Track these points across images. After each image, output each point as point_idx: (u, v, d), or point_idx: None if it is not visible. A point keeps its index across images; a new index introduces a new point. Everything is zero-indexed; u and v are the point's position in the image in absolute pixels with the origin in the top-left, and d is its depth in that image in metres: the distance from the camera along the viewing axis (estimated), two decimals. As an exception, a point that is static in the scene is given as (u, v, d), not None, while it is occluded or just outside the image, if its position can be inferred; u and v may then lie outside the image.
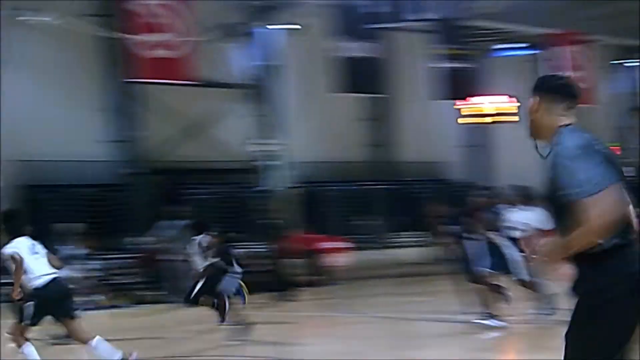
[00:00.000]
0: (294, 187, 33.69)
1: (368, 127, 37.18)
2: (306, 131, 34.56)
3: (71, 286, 12.72)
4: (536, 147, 4.89)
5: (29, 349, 11.09)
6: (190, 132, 31.96)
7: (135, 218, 29.72)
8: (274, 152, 33.31)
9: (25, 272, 10.65)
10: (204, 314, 15.96)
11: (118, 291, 25.18)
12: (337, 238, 29.57)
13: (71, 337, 11.22)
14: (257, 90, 33.57)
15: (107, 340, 11.27)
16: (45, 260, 10.91)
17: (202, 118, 32.24)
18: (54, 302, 10.78)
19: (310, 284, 26.62)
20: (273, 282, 24.19)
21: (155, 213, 27.80)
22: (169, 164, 31.26)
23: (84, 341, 10.88)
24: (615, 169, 4.60)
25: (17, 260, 10.60)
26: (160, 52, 29.53)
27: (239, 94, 33.20)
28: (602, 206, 4.34)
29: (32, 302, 10.76)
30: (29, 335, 11.28)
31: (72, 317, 10.94)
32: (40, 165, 30.33)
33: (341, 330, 17.75)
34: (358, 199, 35.60)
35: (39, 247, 11.02)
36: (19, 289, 10.78)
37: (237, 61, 33.18)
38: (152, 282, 25.82)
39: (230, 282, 15.52)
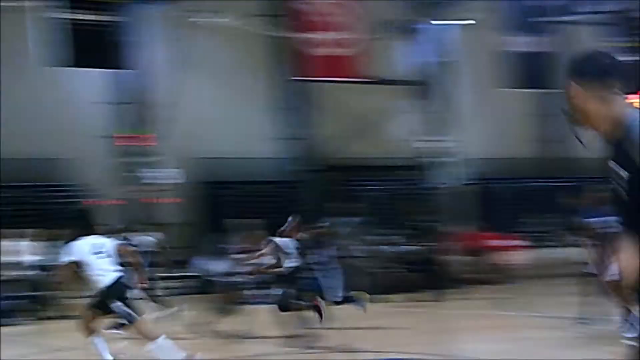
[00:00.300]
0: (467, 184, 33.43)
1: (539, 122, 36.48)
2: (477, 127, 34.21)
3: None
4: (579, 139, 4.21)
5: (100, 340, 11.44)
6: (360, 129, 32.17)
7: (306, 215, 30.08)
8: (445, 148, 33.14)
9: (89, 270, 11.09)
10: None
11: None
12: (511, 236, 29.17)
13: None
14: (426, 86, 33.46)
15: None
16: (108, 259, 11.22)
17: (371, 115, 32.39)
18: (110, 300, 11.13)
19: (481, 282, 26.35)
20: (439, 280, 24.08)
21: (327, 210, 28.11)
22: (339, 161, 31.57)
23: (150, 338, 11.11)
24: None
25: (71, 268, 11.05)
26: (330, 50, 29.87)
27: (408, 90, 33.20)
28: None
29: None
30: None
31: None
32: (216, 162, 31.34)
33: (513, 329, 17.50)
34: (529, 196, 34.94)
35: (106, 246, 11.36)
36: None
37: (407, 58, 33.15)
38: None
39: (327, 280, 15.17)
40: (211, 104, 31.15)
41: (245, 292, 18.09)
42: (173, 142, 29.47)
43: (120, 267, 11.79)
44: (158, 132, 29.90)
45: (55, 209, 26.35)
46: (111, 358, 11.60)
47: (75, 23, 27.00)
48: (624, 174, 3.78)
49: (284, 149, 32.07)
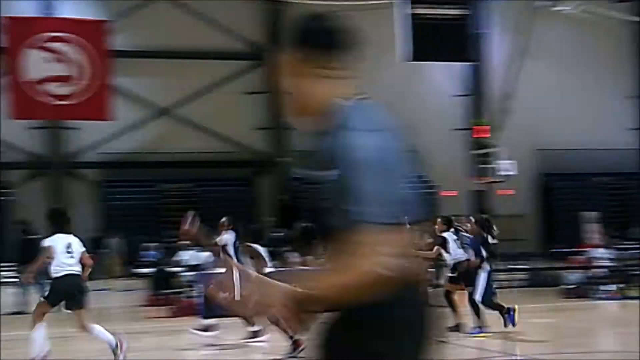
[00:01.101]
0: None
1: None
2: None
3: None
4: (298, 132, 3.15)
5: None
6: None
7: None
8: None
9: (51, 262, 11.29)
10: None
11: (631, 283, 24.68)
12: None
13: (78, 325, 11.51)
14: None
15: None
16: (73, 258, 11.33)
17: None
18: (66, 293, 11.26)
19: None
20: None
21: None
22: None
23: (86, 329, 11.08)
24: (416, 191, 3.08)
25: (47, 251, 11.22)
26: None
27: None
28: (390, 245, 2.83)
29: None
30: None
31: (80, 308, 11.28)
32: (557, 153, 30.87)
33: None
34: None
35: (74, 246, 11.48)
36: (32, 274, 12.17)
37: None
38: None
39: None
40: (556, 94, 30.72)
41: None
42: (512, 133, 29.46)
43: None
44: (498, 124, 29.98)
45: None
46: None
47: (423, 17, 27.71)
48: (318, 175, 2.96)
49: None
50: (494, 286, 13.61)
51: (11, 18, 26.14)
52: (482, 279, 13.09)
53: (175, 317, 16.69)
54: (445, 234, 14.49)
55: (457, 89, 30.56)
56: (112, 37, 26.38)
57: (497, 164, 28.74)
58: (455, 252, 14.28)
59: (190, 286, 18.47)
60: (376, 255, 2.77)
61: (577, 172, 30.33)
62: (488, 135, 29.82)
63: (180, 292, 18.78)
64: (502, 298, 16.67)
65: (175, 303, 18.19)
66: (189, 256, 19.29)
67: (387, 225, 2.80)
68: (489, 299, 13.14)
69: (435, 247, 14.42)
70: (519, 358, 11.28)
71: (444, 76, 30.11)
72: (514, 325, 12.96)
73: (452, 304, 13.68)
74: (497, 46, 30.00)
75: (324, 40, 3.11)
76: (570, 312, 15.92)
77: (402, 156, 3.03)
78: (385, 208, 2.82)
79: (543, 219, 31.17)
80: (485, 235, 13.70)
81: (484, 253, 13.33)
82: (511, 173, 28.62)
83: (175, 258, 19.53)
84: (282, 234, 20.36)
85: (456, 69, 30.22)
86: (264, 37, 29.30)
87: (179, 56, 28.25)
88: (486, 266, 13.24)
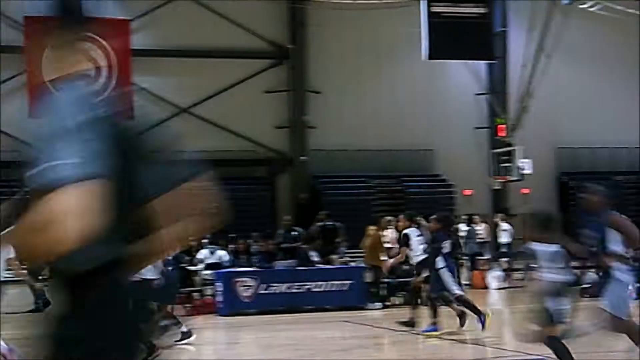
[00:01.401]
0: None
1: None
2: None
3: None
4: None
5: None
6: None
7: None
8: None
9: None
10: None
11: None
12: None
13: None
14: None
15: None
16: None
17: None
18: None
19: None
20: None
21: None
22: None
23: None
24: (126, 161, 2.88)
25: None
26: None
27: None
28: (81, 202, 2.64)
29: None
30: None
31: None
32: (576, 152, 30.79)
33: None
34: None
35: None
36: None
37: None
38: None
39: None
40: (575, 91, 30.63)
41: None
42: (531, 131, 29.41)
43: None
44: (517, 122, 29.94)
45: (429, 199, 27.37)
46: None
47: (444, 15, 27.69)
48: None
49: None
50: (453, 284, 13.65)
51: (32, 17, 26.26)
52: (438, 275, 13.28)
53: (191, 315, 16.75)
54: (407, 231, 14.66)
55: (477, 87, 30.52)
56: (133, 36, 26.54)
57: (516, 163, 28.71)
58: (417, 249, 14.45)
59: (208, 284, 18.53)
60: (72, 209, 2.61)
61: (597, 170, 30.16)
62: (507, 133, 29.81)
63: (198, 291, 18.84)
64: (517, 297, 16.68)
65: (192, 301, 18.25)
66: (207, 254, 19.34)
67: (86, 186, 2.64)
68: (442, 295, 13.35)
69: (401, 249, 14.66)
70: (534, 357, 11.29)
71: (465, 74, 30.07)
72: (483, 327, 13.15)
73: (415, 300, 13.98)
74: (517, 44, 29.93)
75: (60, 9, 2.97)
76: (585, 311, 15.84)
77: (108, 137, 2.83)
78: (85, 174, 2.65)
79: (562, 218, 30.97)
80: (447, 232, 13.88)
81: (445, 250, 13.52)
82: (529, 172, 28.58)
83: (198, 256, 19.58)
84: (297, 232, 20.42)
85: (477, 67, 30.19)
86: (284, 36, 29.37)
87: (199, 55, 28.35)
88: (441, 263, 13.37)
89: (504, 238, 25.85)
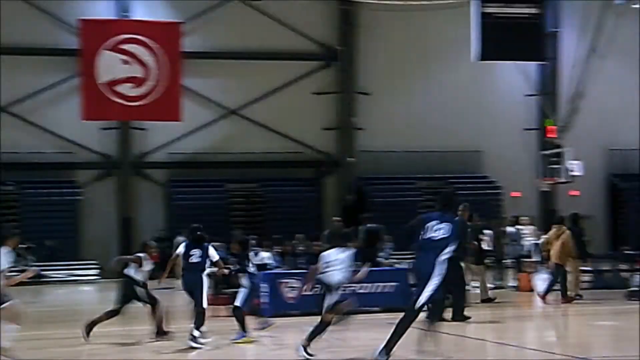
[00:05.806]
0: None
1: None
2: None
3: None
4: None
5: None
6: None
7: None
8: None
9: None
10: None
11: None
12: None
13: None
14: None
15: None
16: None
17: None
18: None
19: None
20: None
21: None
22: None
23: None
24: None
25: None
26: None
27: None
28: None
29: None
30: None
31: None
32: (626, 154, 30.33)
33: None
34: None
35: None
36: None
37: None
38: None
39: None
40: (625, 92, 30.23)
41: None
42: (581, 133, 29.16)
43: None
44: (567, 123, 29.70)
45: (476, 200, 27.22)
46: None
47: (496, 16, 27.55)
48: None
49: None
50: None
51: (86, 20, 26.68)
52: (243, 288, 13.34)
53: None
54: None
55: (527, 88, 30.32)
56: (184, 39, 26.76)
57: (565, 164, 28.44)
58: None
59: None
60: None
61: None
62: (556, 135, 29.57)
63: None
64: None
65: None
66: (251, 256, 19.42)
67: None
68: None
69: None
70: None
71: (514, 75, 29.90)
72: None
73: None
74: (569, 44, 29.69)
75: None
76: (633, 314, 15.65)
77: None
78: None
79: (611, 220, 30.74)
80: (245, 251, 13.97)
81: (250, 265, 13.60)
82: (578, 173, 28.29)
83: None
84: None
85: (526, 68, 29.98)
86: (333, 38, 29.42)
87: (247, 57, 28.52)
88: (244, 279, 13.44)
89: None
